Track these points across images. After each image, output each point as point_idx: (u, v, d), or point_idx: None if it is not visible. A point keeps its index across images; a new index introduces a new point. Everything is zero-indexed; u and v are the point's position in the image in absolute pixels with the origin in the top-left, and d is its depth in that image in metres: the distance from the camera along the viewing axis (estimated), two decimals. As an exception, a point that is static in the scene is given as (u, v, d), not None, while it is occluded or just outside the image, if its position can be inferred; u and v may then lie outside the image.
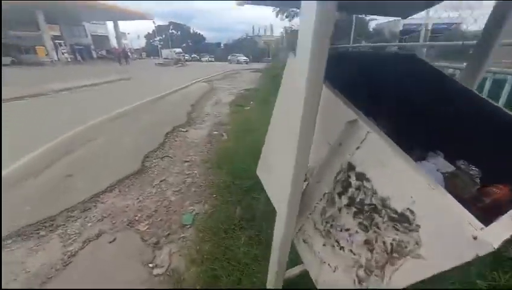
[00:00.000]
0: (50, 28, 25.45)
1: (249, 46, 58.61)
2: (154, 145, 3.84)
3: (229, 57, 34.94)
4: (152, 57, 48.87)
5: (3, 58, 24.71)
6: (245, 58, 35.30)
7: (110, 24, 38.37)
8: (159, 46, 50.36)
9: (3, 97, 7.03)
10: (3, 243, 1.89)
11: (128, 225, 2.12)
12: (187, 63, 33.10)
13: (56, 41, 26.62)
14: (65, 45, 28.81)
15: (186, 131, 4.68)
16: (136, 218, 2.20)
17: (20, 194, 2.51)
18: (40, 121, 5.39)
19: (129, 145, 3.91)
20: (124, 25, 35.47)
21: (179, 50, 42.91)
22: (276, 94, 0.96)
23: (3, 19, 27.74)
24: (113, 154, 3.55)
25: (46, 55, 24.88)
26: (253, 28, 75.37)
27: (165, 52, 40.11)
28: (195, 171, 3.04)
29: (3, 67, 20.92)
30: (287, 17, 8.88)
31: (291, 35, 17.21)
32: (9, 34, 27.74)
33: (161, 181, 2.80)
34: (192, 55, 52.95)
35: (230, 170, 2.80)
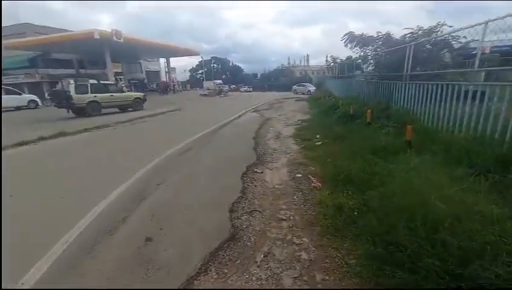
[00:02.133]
0: (114, 66, 28.85)
1: (287, 76, 60.01)
2: (234, 192, 3.18)
3: (294, 87, 33.52)
4: (196, 88, 52.48)
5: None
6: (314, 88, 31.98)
7: (161, 60, 42.58)
8: (202, 78, 54.30)
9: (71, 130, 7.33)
10: None
11: None
12: (228, 93, 34.48)
13: (117, 77, 30.01)
14: (124, 80, 32.34)
15: (262, 173, 4.00)
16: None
17: (95, 264, 1.93)
18: (106, 157, 5.25)
19: (206, 191, 3.31)
20: (172, 61, 39.14)
21: (219, 81, 45.42)
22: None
23: (79, 59, 32.60)
24: (191, 204, 2.95)
25: (109, 89, 27.84)
26: (288, 58, 77.91)
27: (206, 84, 42.76)
28: (305, 239, 2.22)
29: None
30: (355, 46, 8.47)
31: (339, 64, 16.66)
32: (81, 73, 32.21)
33: (265, 256, 2.02)
34: (231, 86, 55.71)
35: (358, 238, 1.94)
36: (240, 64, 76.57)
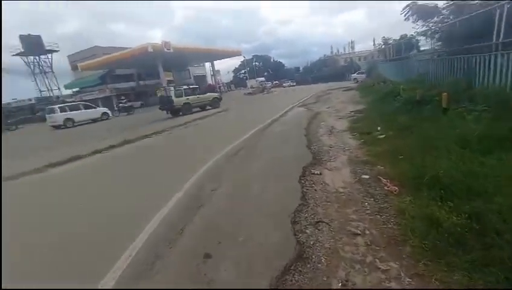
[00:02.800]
0: (166, 75, 31.41)
1: (331, 66, 56.68)
2: (294, 199, 2.86)
3: (354, 76, 32.35)
4: (240, 88, 53.70)
5: (135, 102, 31.84)
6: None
7: (207, 65, 44.67)
8: (245, 77, 55.20)
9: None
10: None
11: None
12: (272, 90, 34.19)
13: (169, 84, 32.61)
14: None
15: (320, 174, 3.57)
16: None
17: (154, 283, 1.85)
18: (163, 161, 5.49)
19: (263, 197, 3.08)
20: (216, 64, 40.74)
21: (262, 79, 45.47)
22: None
23: (138, 73, 36.48)
24: (248, 212, 2.74)
25: (163, 96, 30.44)
26: (331, 47, 73.26)
27: (250, 83, 43.21)
28: (392, 264, 1.76)
29: (137, 109, 26.89)
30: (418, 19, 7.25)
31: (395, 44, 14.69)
32: (140, 84, 35.97)
33: (343, 284, 1.65)
34: (274, 82, 55.19)
35: (475, 269, 1.41)
36: (281, 60, 75.43)
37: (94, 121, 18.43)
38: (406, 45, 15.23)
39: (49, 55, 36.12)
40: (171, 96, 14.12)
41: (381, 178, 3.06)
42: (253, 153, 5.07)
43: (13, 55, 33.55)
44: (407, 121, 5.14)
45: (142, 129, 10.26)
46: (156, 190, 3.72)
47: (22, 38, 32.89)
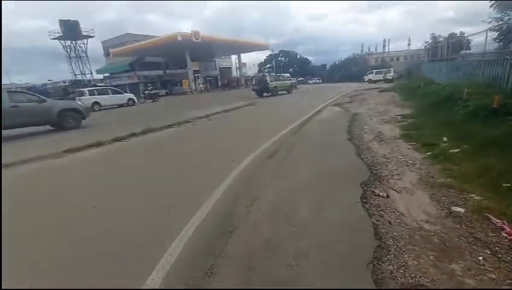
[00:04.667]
0: (193, 65, 31.34)
1: (360, 65, 53.76)
2: (364, 236, 2.06)
3: (367, 76, 31.93)
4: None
5: (161, 90, 32.20)
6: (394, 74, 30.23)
7: (233, 58, 44.19)
8: (269, 72, 54.03)
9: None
10: None
11: None
12: (298, 86, 32.95)
13: (195, 74, 32.52)
14: (201, 77, 34.87)
15: (388, 197, 2.72)
16: None
17: None
18: (186, 164, 4.89)
19: (316, 224, 2.31)
20: (243, 58, 40.03)
21: (287, 75, 44.20)
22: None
23: (165, 61, 36.83)
24: (302, 249, 2.00)
25: (188, 86, 30.48)
26: (362, 46, 69.78)
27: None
28: None
29: (162, 97, 27.09)
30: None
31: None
32: (167, 73, 36.31)
33: None
34: (299, 79, 53.61)
35: None
36: (307, 57, 73.01)
37: (120, 106, 18.57)
38: (455, 45, 13.52)
39: (85, 41, 37.41)
40: (267, 81, 18.45)
41: (491, 217, 2.16)
42: (291, 158, 4.30)
43: (52, 38, 35.15)
44: (489, 133, 4.07)
45: (162, 121, 9.85)
46: (173, 213, 3.09)
47: (61, 23, 34.27)
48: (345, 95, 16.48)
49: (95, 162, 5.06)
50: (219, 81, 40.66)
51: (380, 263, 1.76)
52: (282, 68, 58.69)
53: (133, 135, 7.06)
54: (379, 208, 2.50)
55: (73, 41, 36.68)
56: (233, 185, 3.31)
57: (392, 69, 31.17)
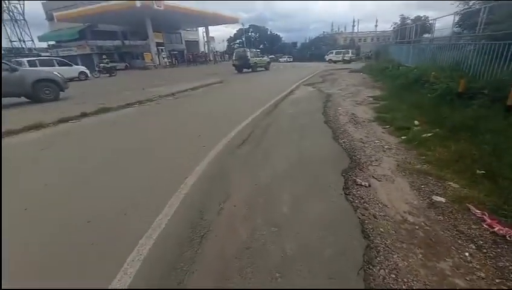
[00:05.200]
0: (155, 36, 28.43)
1: (330, 44, 54.15)
2: (352, 234, 1.88)
3: (328, 56, 33.33)
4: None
5: (119, 63, 29.05)
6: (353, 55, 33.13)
7: (200, 31, 41.18)
8: (239, 47, 51.77)
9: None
10: None
11: None
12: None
13: (158, 47, 29.70)
14: (165, 51, 32.01)
15: (370, 186, 2.60)
16: None
17: None
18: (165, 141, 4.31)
19: (299, 226, 2.08)
20: (211, 31, 37.45)
21: (257, 51, 42.86)
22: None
23: (123, 31, 32.90)
24: (286, 255, 1.76)
25: (151, 60, 27.85)
26: (332, 24, 70.41)
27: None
28: None
29: (120, 71, 24.39)
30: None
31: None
32: (125, 44, 32.65)
33: None
34: (270, 56, 52.61)
35: None
36: (278, 33, 71.33)
37: (69, 80, 16.25)
38: (422, 27, 13.97)
39: (21, 1, 31.49)
40: (248, 57, 18.68)
41: (472, 207, 2.12)
42: (266, 143, 4.00)
43: (-25, -6, 28.85)
44: (458, 117, 4.18)
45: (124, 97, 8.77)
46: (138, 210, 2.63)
47: (-14, -26, 28.09)
48: (316, 74, 16.41)
49: (30, 150, 4.20)
50: (185, 56, 37.98)
51: (370, 267, 1.60)
52: (253, 44, 56.70)
53: (84, 115, 6.11)
54: (362, 200, 2.35)
55: (6, 1, 30.68)
56: (204, 177, 2.92)
57: (350, 50, 33.02)
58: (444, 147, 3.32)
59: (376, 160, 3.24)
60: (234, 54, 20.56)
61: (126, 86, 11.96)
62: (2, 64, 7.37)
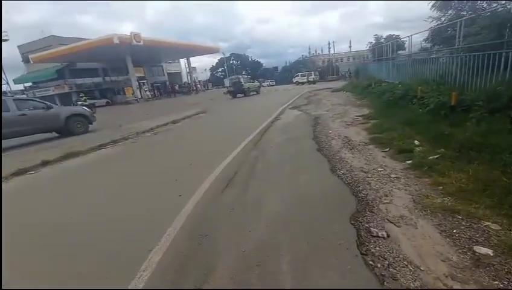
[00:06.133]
0: (136, 70, 28.38)
1: (309, 66, 56.46)
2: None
3: (295, 79, 36.82)
4: (218, 87, 51.37)
5: (100, 100, 28.47)
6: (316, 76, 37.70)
7: (182, 62, 41.88)
8: (222, 76, 52.92)
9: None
10: None
11: None
12: (253, 89, 32.68)
13: (140, 81, 29.55)
14: (147, 84, 31.88)
15: (388, 237, 2.03)
16: None
17: None
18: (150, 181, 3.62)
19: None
20: (192, 62, 38.19)
21: (243, 76, 43.81)
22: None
23: (104, 67, 32.80)
24: None
25: (132, 94, 27.48)
26: (309, 48, 74.02)
27: (227, 81, 41.85)
28: None
29: (100, 108, 23.68)
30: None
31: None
32: (106, 80, 32.40)
33: None
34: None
35: None
36: (258, 59, 74.24)
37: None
38: (398, 45, 14.56)
39: (-5, 45, 30.99)
40: (242, 83, 20.30)
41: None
42: (255, 184, 3.41)
43: None
44: (457, 133, 3.83)
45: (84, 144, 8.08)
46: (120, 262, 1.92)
47: (-42, 22, 27.70)
48: (300, 96, 16.47)
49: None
50: (167, 87, 38.11)
51: None
52: (235, 71, 58.17)
53: (46, 163, 5.36)
54: (386, 262, 1.77)
55: (-21, 46, 30.05)
56: (178, 240, 2.26)
57: (313, 72, 38.09)
58: (460, 171, 2.87)
59: (386, 195, 2.71)
60: (228, 81, 22.31)
61: (104, 124, 11.26)
62: (40, 103, 8.49)
